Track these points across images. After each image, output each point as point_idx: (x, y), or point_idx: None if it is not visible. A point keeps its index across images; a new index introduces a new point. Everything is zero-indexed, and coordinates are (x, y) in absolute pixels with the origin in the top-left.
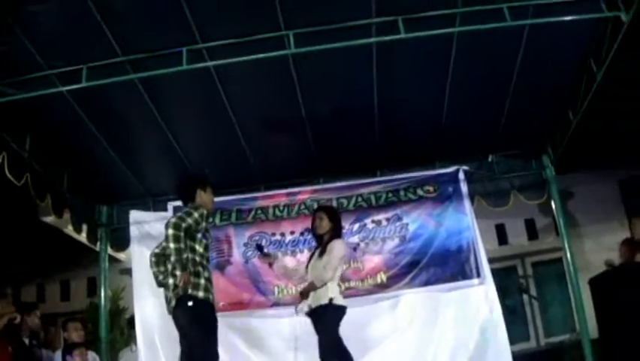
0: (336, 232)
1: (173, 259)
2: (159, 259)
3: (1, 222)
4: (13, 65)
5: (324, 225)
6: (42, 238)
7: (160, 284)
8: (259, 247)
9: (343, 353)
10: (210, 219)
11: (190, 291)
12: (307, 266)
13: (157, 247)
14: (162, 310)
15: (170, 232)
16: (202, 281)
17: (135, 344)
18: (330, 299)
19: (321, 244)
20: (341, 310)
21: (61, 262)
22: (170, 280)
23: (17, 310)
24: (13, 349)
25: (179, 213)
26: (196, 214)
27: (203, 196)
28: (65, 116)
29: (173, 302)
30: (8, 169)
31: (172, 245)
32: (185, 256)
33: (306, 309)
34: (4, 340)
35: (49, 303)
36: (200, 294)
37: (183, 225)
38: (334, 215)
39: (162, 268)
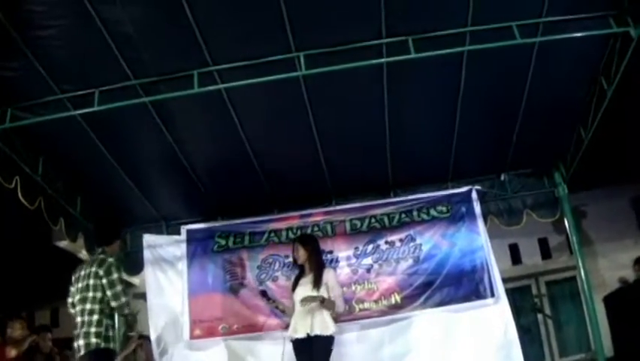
0: (317, 259)
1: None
2: None
3: (15, 247)
4: (26, 90)
5: (301, 254)
6: (56, 262)
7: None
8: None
9: None
10: (223, 242)
11: None
12: (293, 292)
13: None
14: (177, 333)
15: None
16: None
17: None
18: (333, 332)
19: (306, 273)
20: (332, 341)
21: None
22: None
23: (31, 333)
24: None
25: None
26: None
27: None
28: (78, 140)
29: None
30: (21, 193)
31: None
32: None
33: (301, 335)
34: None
35: (63, 327)
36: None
37: None
38: (307, 242)
39: None
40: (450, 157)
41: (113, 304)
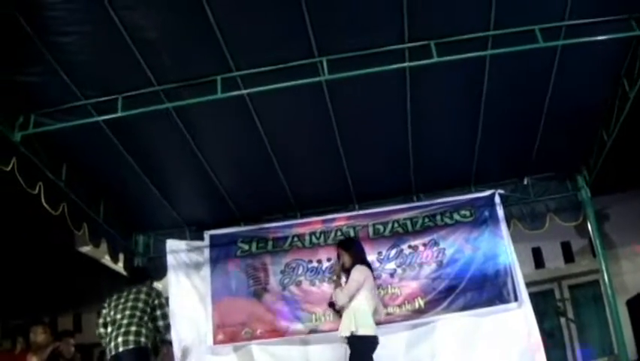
0: (356, 260)
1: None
2: None
3: (38, 252)
4: (49, 96)
5: (346, 260)
6: (78, 268)
7: None
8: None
9: None
10: (246, 247)
11: None
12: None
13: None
14: (200, 338)
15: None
16: None
17: None
18: (352, 332)
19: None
20: (365, 341)
21: (98, 292)
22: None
23: (55, 339)
24: None
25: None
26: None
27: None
28: (101, 146)
29: None
30: (45, 199)
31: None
32: None
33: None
34: None
35: (85, 333)
36: None
37: None
38: (349, 246)
39: None
40: (473, 161)
41: (160, 323)
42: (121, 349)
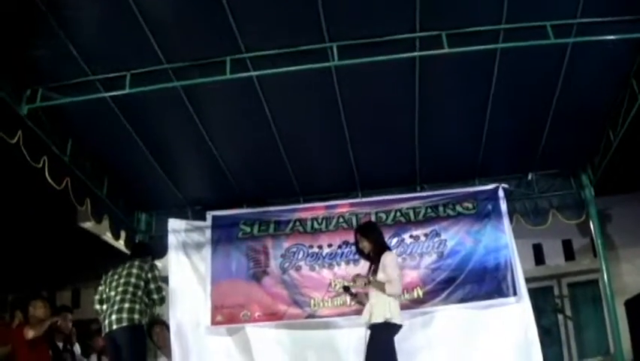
0: (380, 245)
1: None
2: None
3: (39, 226)
4: (58, 70)
5: (366, 245)
6: (79, 243)
7: None
8: (346, 289)
9: None
10: (248, 229)
11: None
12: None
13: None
14: (198, 319)
15: None
16: None
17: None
18: (387, 319)
19: (372, 260)
20: (397, 329)
21: (98, 269)
22: None
23: (52, 314)
24: (52, 352)
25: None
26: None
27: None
28: (107, 123)
29: None
30: (49, 173)
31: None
32: None
33: (364, 323)
34: (44, 343)
35: (84, 309)
36: None
37: None
38: (369, 231)
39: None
40: (478, 154)
41: (155, 296)
42: (115, 327)
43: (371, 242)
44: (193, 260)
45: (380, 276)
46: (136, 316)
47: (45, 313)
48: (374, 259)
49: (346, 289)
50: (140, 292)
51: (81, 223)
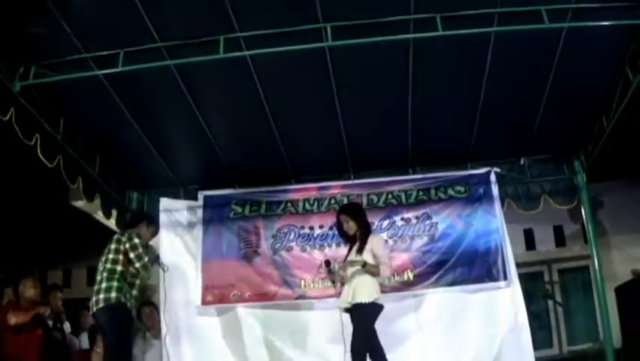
0: (367, 226)
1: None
2: None
3: (31, 204)
4: (51, 48)
5: (352, 226)
6: (71, 222)
7: None
8: (327, 263)
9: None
10: (239, 210)
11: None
12: (344, 262)
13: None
14: (188, 298)
15: None
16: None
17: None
18: (375, 299)
19: (355, 242)
20: (380, 308)
21: (89, 248)
22: None
23: (43, 292)
24: (42, 332)
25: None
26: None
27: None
28: (100, 101)
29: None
30: (41, 151)
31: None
32: None
33: (345, 305)
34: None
35: (74, 288)
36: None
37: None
38: (356, 212)
39: None
40: (471, 138)
41: (137, 265)
42: (94, 309)
43: (357, 223)
44: (184, 240)
45: (367, 258)
46: (113, 295)
47: (35, 293)
48: (360, 240)
49: (327, 263)
50: (119, 267)
51: (73, 202)
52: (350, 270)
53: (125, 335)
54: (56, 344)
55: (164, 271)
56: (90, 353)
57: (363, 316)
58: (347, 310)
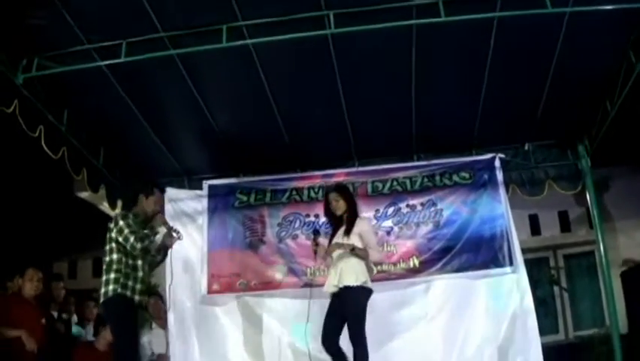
0: (355, 208)
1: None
2: None
3: (35, 196)
4: (53, 39)
5: (341, 205)
6: (76, 213)
7: None
8: (316, 232)
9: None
10: (244, 198)
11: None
12: (329, 246)
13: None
14: (194, 289)
15: None
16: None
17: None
18: (363, 282)
19: (341, 224)
20: (370, 292)
21: (94, 239)
22: None
23: (45, 284)
24: (46, 321)
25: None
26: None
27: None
28: (103, 91)
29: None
30: (45, 142)
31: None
32: None
33: (331, 290)
34: (37, 310)
35: (80, 279)
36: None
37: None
38: (346, 191)
39: None
40: (475, 124)
41: (128, 246)
42: (101, 300)
43: (347, 202)
44: (190, 229)
45: (354, 241)
46: (110, 287)
47: (33, 287)
48: (347, 222)
49: (316, 232)
50: (115, 255)
51: (78, 193)
52: (337, 252)
53: (126, 328)
54: (59, 336)
55: (179, 238)
56: (94, 345)
57: (355, 299)
58: (335, 294)
